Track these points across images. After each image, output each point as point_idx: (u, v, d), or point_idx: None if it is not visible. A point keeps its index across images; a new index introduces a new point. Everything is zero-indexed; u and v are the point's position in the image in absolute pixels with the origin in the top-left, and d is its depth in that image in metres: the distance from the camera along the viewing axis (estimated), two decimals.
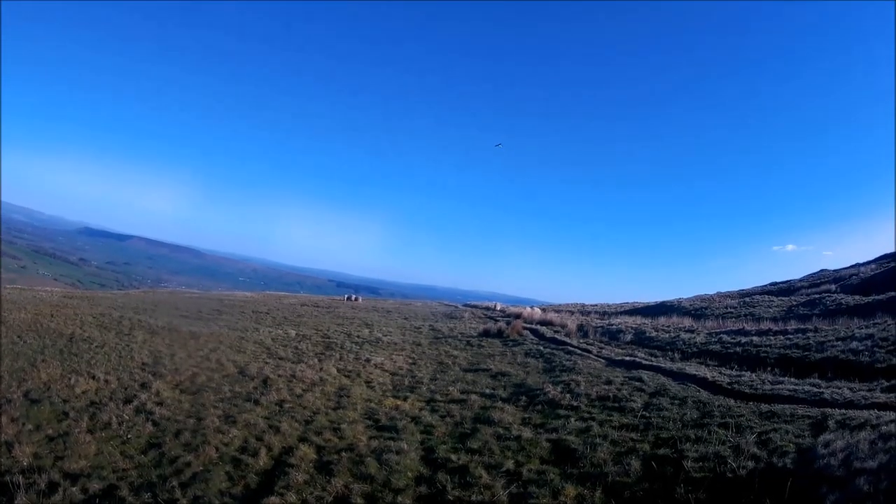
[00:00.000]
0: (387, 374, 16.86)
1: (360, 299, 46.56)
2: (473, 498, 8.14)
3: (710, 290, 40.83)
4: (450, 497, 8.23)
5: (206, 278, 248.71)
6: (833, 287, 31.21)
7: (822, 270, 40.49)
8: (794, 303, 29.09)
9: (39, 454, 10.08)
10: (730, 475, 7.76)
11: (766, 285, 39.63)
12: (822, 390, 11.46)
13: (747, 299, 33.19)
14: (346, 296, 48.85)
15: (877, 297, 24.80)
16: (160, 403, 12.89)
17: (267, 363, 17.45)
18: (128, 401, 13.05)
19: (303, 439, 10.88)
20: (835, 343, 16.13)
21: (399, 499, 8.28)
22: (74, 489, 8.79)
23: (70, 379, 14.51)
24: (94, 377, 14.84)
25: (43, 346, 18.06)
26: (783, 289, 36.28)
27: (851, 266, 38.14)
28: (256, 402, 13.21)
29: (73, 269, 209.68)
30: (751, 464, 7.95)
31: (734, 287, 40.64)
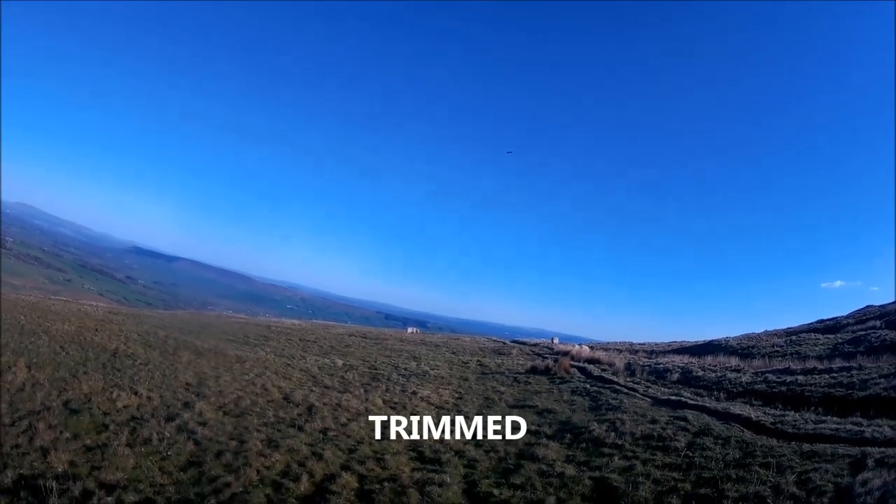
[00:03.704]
0: (433, 407, 16.88)
1: (416, 331, 47.12)
2: None
3: (758, 329, 41.00)
4: None
5: (253, 304, 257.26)
6: (878, 323, 31.52)
7: (867, 306, 40.28)
8: (840, 340, 29.59)
9: (76, 462, 10.58)
10: None
11: (812, 323, 39.54)
12: (863, 429, 11.98)
13: (794, 338, 33.42)
14: (408, 328, 49.74)
15: None
16: (203, 424, 13.28)
17: (312, 391, 17.74)
18: (170, 419, 13.53)
19: (345, 467, 11.00)
20: (878, 380, 16.79)
21: None
22: (109, 499, 9.16)
23: (112, 393, 15.25)
24: (136, 393, 15.52)
25: (85, 359, 19.15)
26: (829, 326, 36.17)
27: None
28: (300, 429, 13.44)
29: (119, 286, 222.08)
30: None
31: (782, 325, 40.66)
